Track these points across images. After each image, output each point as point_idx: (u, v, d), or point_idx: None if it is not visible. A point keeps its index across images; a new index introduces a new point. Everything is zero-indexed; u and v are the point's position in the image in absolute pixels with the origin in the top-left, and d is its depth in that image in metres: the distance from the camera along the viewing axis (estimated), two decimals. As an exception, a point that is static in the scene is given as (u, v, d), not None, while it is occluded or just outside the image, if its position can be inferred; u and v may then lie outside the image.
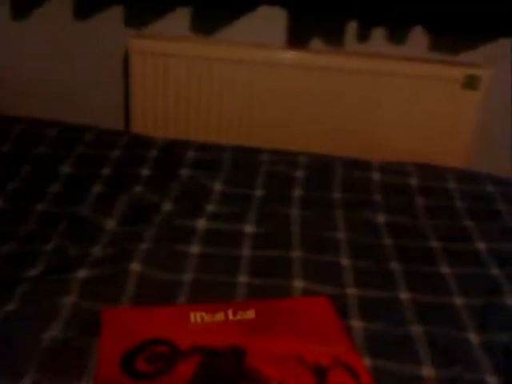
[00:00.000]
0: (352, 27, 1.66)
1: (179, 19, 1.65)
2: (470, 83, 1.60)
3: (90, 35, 1.68)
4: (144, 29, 1.66)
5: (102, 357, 0.74)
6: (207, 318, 0.82)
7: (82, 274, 0.91)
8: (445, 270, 1.02)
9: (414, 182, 1.30)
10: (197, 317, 0.82)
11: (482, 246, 1.08)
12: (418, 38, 1.67)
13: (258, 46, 1.61)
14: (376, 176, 1.31)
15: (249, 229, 1.08)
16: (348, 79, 1.58)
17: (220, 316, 0.83)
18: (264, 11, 1.63)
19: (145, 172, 1.24)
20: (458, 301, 0.94)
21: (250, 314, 0.84)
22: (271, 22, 1.65)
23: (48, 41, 1.71)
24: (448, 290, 0.97)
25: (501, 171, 1.45)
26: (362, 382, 0.73)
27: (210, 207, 1.14)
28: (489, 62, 1.64)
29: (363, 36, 1.67)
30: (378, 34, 1.67)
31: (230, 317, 0.83)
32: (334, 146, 1.56)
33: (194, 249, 1.01)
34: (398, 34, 1.67)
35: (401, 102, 1.60)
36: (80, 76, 1.74)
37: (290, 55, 1.59)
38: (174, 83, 1.60)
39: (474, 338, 0.86)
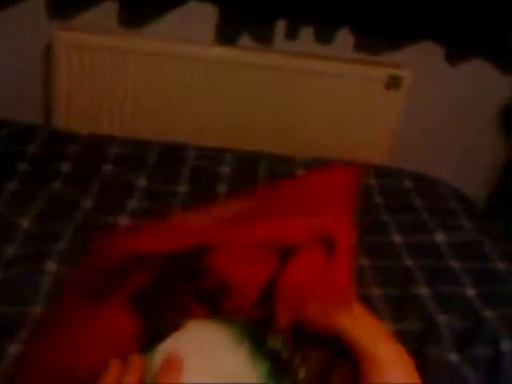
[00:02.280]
0: (281, 26, 1.68)
1: (106, 12, 1.62)
2: (393, 83, 1.65)
3: (11, 26, 1.62)
4: (69, 21, 1.61)
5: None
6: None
7: (-5, 273, 0.88)
8: (363, 261, 1.05)
9: (336, 178, 1.33)
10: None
11: (397, 238, 1.13)
12: (345, 38, 1.72)
13: (186, 40, 1.60)
14: (300, 172, 1.34)
15: (172, 224, 1.07)
16: (276, 77, 1.60)
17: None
18: (194, 6, 1.62)
19: (65, 168, 1.21)
20: (375, 291, 0.98)
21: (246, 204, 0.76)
22: (201, 17, 1.64)
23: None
24: (366, 282, 1.00)
25: (419, 168, 1.51)
26: (336, 259, 0.64)
27: (133, 203, 1.12)
28: (411, 63, 1.70)
29: (291, 35, 1.70)
30: (306, 34, 1.70)
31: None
32: (261, 142, 1.58)
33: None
34: (325, 34, 1.71)
35: (326, 101, 1.64)
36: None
37: (219, 51, 1.59)
38: (99, 77, 1.57)
39: (389, 327, 0.89)
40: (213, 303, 0.63)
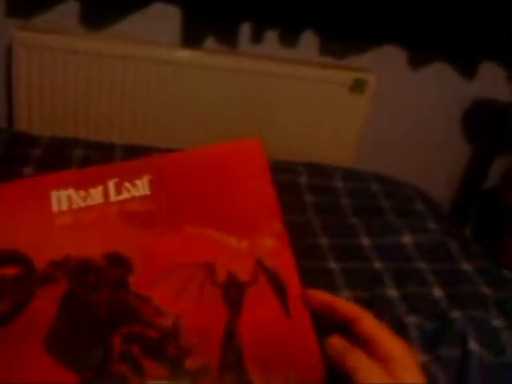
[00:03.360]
0: (246, 29, 1.68)
1: (68, 12, 1.58)
2: (357, 87, 1.67)
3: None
4: (30, 21, 1.57)
5: None
6: (78, 199, 0.51)
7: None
8: (332, 265, 1.06)
9: (303, 180, 1.33)
10: (62, 199, 0.51)
11: (366, 241, 1.14)
12: (310, 41, 1.72)
13: (150, 43, 1.58)
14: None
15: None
16: (240, 80, 1.60)
17: (97, 194, 0.51)
18: (157, 8, 1.61)
19: (27, 171, 1.17)
20: (345, 294, 0.98)
21: (143, 187, 0.52)
22: (165, 19, 1.63)
23: None
24: (335, 285, 1.00)
25: (385, 170, 1.53)
26: (289, 298, 0.50)
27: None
28: (375, 67, 1.72)
29: (256, 38, 1.69)
30: (271, 37, 1.70)
31: (112, 196, 0.51)
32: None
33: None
34: (290, 37, 1.71)
35: (292, 104, 1.64)
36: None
37: (183, 54, 1.58)
38: (61, 78, 1.53)
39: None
40: (167, 360, 0.47)
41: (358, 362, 0.44)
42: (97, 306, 0.48)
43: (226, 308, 0.49)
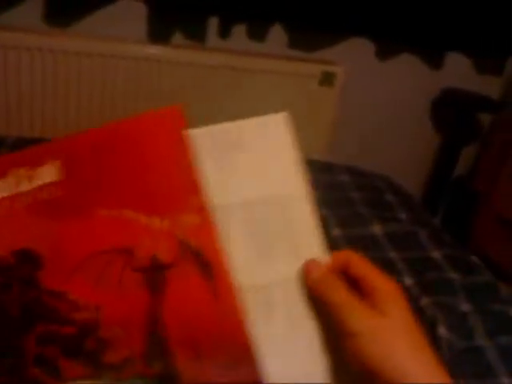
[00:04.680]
0: (213, 23, 1.67)
1: (31, 9, 1.56)
2: (326, 80, 1.68)
3: None
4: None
5: None
6: None
7: None
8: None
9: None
10: None
11: (337, 231, 1.14)
12: (278, 35, 1.73)
13: (116, 39, 1.56)
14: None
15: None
16: (209, 75, 1.59)
17: (3, 187, 0.47)
18: (123, 4, 1.59)
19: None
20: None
21: (52, 173, 0.47)
22: (131, 15, 1.61)
23: None
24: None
25: (355, 162, 1.54)
26: (215, 278, 0.46)
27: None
28: (344, 59, 1.73)
29: (224, 32, 1.69)
30: (239, 31, 1.70)
31: (20, 187, 0.47)
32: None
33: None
34: (258, 31, 1.71)
35: (261, 98, 1.64)
36: None
37: (151, 50, 1.57)
38: (26, 77, 1.50)
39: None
40: (87, 356, 0.45)
41: (338, 296, 0.44)
42: (8, 306, 0.45)
43: (148, 293, 0.46)
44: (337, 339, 0.44)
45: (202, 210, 0.47)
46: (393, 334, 0.42)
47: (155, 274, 0.46)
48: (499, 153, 1.93)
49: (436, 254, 1.11)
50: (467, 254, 1.16)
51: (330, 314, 0.44)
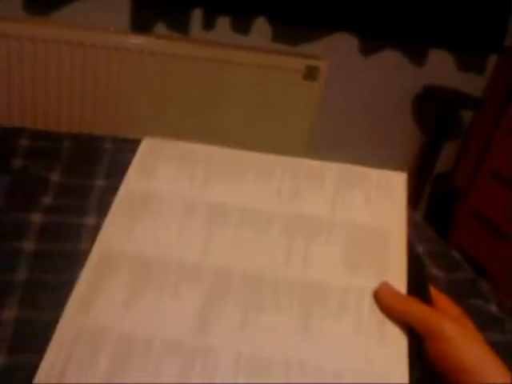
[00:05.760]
0: (197, 15, 1.66)
1: (11, -3, 1.52)
2: (310, 74, 1.67)
3: None
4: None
5: None
6: None
7: None
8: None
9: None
10: None
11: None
12: (262, 28, 1.72)
13: (98, 28, 1.54)
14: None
15: (90, 221, 1.03)
16: (192, 67, 1.57)
17: None
18: (106, -7, 1.56)
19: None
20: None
21: None
22: (114, 4, 1.59)
23: None
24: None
25: (338, 157, 1.54)
26: None
27: (47, 199, 1.06)
28: (328, 54, 1.73)
29: (208, 24, 1.67)
30: (223, 23, 1.68)
31: None
32: (175, 133, 1.54)
33: (29, 245, 0.93)
34: (242, 24, 1.70)
35: (245, 91, 1.63)
36: None
37: (133, 40, 1.54)
38: (6, 65, 1.47)
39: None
40: None
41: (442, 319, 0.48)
42: None
43: None
44: (420, 344, 0.49)
45: None
46: (470, 340, 0.48)
47: None
48: (479, 150, 1.95)
49: (418, 249, 1.12)
50: (449, 249, 1.16)
51: (414, 323, 0.49)
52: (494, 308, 0.96)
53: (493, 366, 0.47)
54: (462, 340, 0.47)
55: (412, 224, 1.21)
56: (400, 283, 0.53)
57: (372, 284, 0.53)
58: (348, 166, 0.64)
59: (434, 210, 2.05)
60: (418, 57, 1.86)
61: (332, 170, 0.63)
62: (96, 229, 0.99)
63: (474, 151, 1.98)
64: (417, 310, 0.50)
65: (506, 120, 1.83)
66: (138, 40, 1.54)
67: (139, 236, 0.57)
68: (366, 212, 0.59)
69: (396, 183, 0.64)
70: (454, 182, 1.96)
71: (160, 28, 1.64)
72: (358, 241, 0.56)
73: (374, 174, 0.65)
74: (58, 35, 1.48)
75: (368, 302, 0.52)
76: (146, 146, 0.67)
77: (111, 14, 1.59)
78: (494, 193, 1.85)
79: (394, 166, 2.16)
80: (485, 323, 0.91)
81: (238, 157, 0.65)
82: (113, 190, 1.12)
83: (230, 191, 0.60)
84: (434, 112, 1.95)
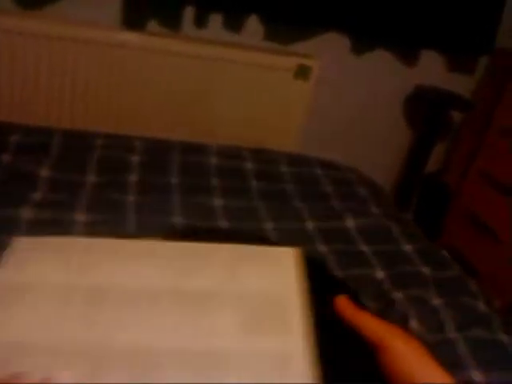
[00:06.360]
0: (190, 12, 1.65)
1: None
2: (301, 72, 1.68)
3: None
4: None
5: None
6: None
7: None
8: (277, 249, 1.06)
9: (248, 166, 1.33)
10: None
11: (310, 225, 1.15)
12: (254, 27, 1.72)
13: (90, 24, 1.53)
14: (213, 160, 1.32)
15: (80, 217, 1.02)
16: (184, 64, 1.57)
17: None
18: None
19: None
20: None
21: None
22: (107, 1, 1.58)
23: None
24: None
25: (328, 155, 1.55)
26: None
27: (36, 195, 1.06)
28: (319, 53, 1.73)
29: (200, 22, 1.67)
30: (215, 21, 1.68)
31: None
32: (169, 129, 1.55)
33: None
34: (234, 22, 1.69)
35: (236, 89, 1.63)
36: None
37: (125, 36, 1.54)
38: (-5, 61, 1.46)
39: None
40: None
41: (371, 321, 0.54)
42: None
43: None
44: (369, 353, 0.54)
45: None
46: (419, 356, 0.53)
47: None
48: (469, 150, 1.96)
49: (407, 248, 1.12)
50: (438, 248, 1.17)
51: (366, 335, 0.54)
52: (481, 306, 0.97)
53: (433, 370, 0.52)
54: (411, 356, 0.52)
55: (401, 223, 1.22)
56: (302, 338, 0.54)
57: (274, 344, 0.54)
58: (238, 246, 0.64)
59: (424, 208, 2.06)
60: (409, 57, 1.87)
61: (222, 251, 0.64)
62: (86, 225, 0.99)
63: (463, 151, 1.99)
64: (371, 324, 0.55)
65: (496, 121, 1.84)
66: (130, 37, 1.54)
67: (15, 324, 0.53)
68: (259, 282, 0.60)
69: (286, 257, 0.65)
70: (444, 181, 1.98)
71: (152, 25, 1.63)
72: (253, 308, 0.57)
73: (265, 251, 0.66)
74: (49, 30, 1.47)
75: (270, 361, 0.52)
76: (17, 245, 0.62)
77: (104, 11, 1.59)
78: (483, 193, 1.86)
79: (385, 165, 2.19)
80: (473, 321, 0.92)
81: (117, 245, 0.64)
82: (104, 186, 1.13)
83: (109, 275, 0.59)
84: (425, 112, 1.96)
